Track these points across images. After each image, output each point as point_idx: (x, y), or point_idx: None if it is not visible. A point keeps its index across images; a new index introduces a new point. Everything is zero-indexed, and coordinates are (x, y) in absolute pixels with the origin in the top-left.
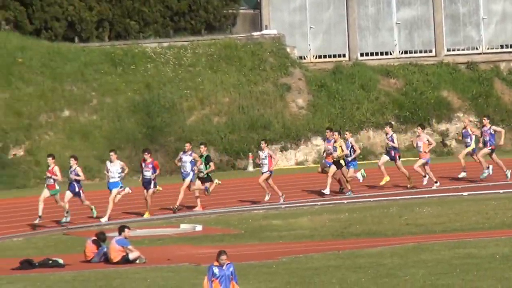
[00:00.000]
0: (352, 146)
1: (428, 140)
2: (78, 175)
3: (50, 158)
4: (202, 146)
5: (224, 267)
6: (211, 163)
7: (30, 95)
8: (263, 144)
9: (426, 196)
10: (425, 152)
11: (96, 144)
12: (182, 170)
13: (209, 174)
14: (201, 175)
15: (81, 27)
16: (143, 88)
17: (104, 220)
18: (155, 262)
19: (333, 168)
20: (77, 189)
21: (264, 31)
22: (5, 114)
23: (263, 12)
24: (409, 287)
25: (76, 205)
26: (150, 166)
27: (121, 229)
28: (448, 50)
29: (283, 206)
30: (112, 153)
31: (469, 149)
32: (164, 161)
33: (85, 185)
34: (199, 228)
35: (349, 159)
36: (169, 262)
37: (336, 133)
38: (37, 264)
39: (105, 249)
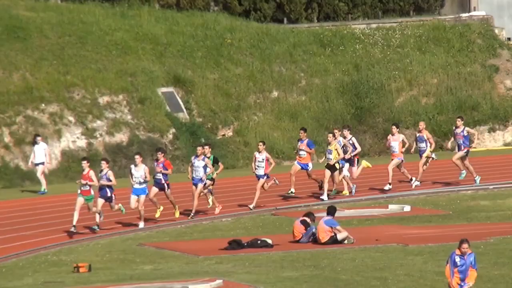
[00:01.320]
0: (353, 144)
1: (403, 140)
2: (109, 180)
3: (84, 162)
4: (207, 147)
5: (465, 257)
6: (220, 163)
7: (239, 76)
8: (261, 146)
9: None
10: (401, 152)
11: (305, 125)
12: (194, 175)
13: (212, 175)
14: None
15: (290, 8)
16: (352, 69)
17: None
18: (363, 243)
19: (327, 173)
20: (109, 194)
21: (473, 13)
22: (214, 94)
23: None
24: None
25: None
26: (161, 165)
27: (329, 210)
28: None
29: (490, 187)
30: (137, 156)
31: (425, 155)
32: (373, 142)
33: (289, 166)
34: (407, 208)
35: (349, 156)
36: (377, 242)
37: (331, 135)
38: (245, 244)
39: (313, 230)
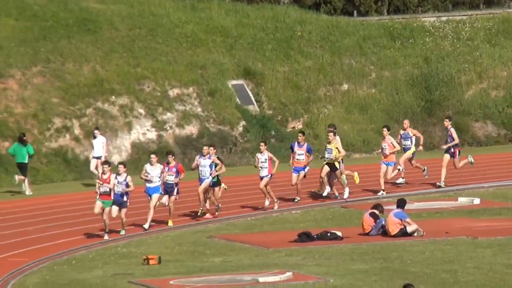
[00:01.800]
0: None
1: (392, 143)
2: (128, 186)
3: (106, 166)
4: (212, 148)
5: None
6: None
7: (309, 69)
8: (262, 147)
9: None
10: (390, 154)
11: (374, 118)
12: (201, 176)
13: (219, 178)
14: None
15: (360, 1)
16: (422, 62)
17: (147, 226)
18: (433, 235)
19: (325, 170)
20: (125, 198)
21: None
22: (284, 87)
23: None
24: None
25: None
26: (174, 170)
27: (399, 202)
28: None
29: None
30: (153, 156)
31: (409, 152)
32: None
33: (364, 158)
34: (477, 201)
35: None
36: (447, 235)
37: (332, 134)
38: (315, 236)
39: (383, 222)
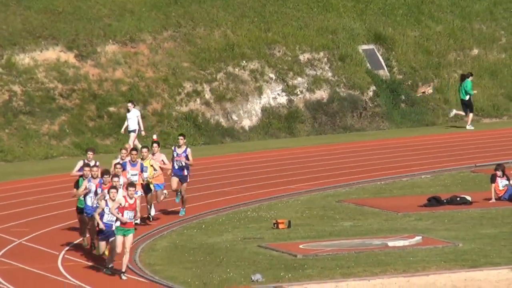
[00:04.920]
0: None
1: (163, 160)
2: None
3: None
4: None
5: None
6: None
7: (439, 34)
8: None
9: None
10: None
11: (505, 83)
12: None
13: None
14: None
15: None
16: None
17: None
18: None
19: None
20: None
21: None
22: (414, 52)
23: None
24: None
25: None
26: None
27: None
28: None
29: None
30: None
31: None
32: None
33: (494, 123)
34: None
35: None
36: None
37: (145, 150)
38: (444, 201)
39: None
